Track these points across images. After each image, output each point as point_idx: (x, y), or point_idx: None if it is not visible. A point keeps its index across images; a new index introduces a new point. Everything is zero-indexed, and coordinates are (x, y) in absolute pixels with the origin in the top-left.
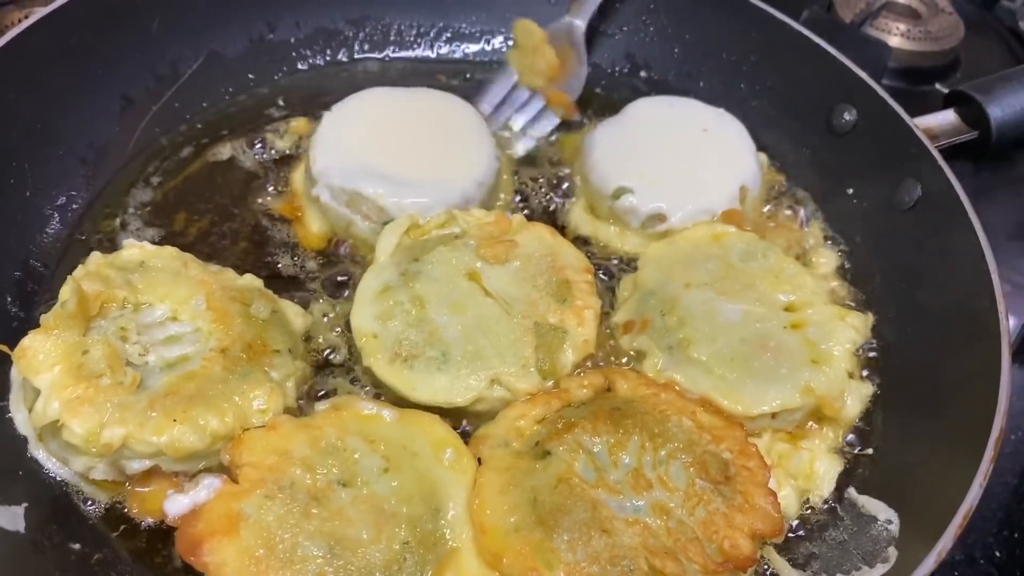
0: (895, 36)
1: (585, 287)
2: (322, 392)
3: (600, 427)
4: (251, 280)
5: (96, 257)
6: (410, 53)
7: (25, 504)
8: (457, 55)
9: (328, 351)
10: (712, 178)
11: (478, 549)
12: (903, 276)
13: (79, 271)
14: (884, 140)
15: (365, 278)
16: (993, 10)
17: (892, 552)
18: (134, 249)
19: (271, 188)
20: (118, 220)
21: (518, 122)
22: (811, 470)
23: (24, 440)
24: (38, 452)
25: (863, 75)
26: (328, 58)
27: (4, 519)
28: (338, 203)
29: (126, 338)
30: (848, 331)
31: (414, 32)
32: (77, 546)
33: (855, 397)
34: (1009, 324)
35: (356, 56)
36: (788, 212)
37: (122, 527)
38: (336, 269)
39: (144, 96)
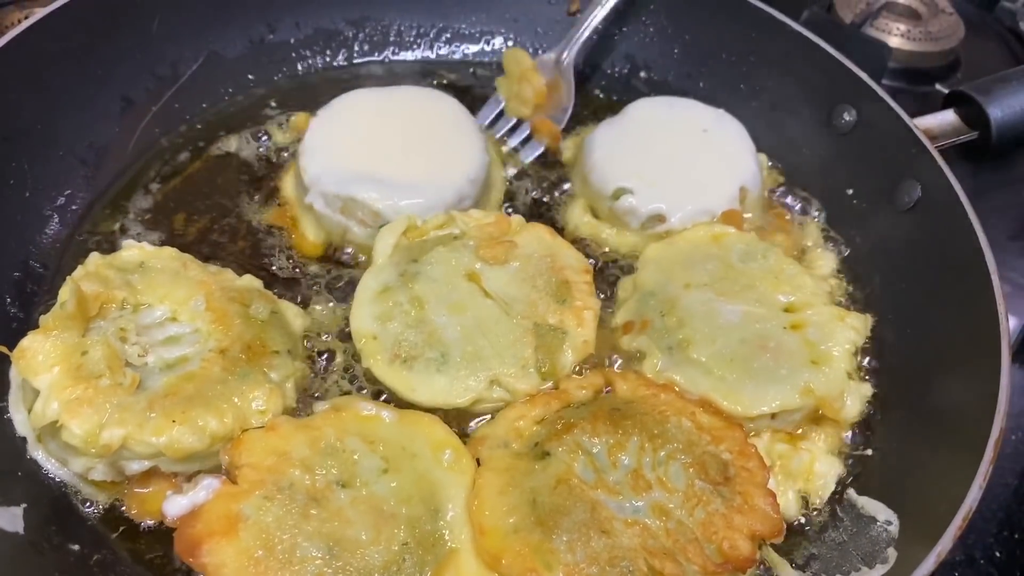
0: (895, 36)
1: (584, 288)
2: (317, 394)
3: (599, 428)
4: (250, 281)
5: (95, 258)
6: (410, 54)
7: (24, 505)
8: (457, 56)
9: (327, 352)
10: (712, 179)
11: (477, 550)
12: (903, 277)
13: (78, 272)
14: (884, 141)
15: (364, 279)
16: (993, 10)
17: (892, 553)
18: (133, 250)
19: (257, 198)
20: (117, 221)
21: (503, 149)
22: (811, 471)
23: (23, 441)
24: (37, 453)
25: (863, 75)
26: (328, 59)
27: (3, 520)
28: (332, 210)
29: (125, 339)
30: (848, 332)
31: (414, 33)
32: (76, 547)
33: (854, 398)
34: (1009, 324)
35: (356, 57)
36: (788, 213)
37: (121, 528)
38: (335, 270)
39: (144, 97)
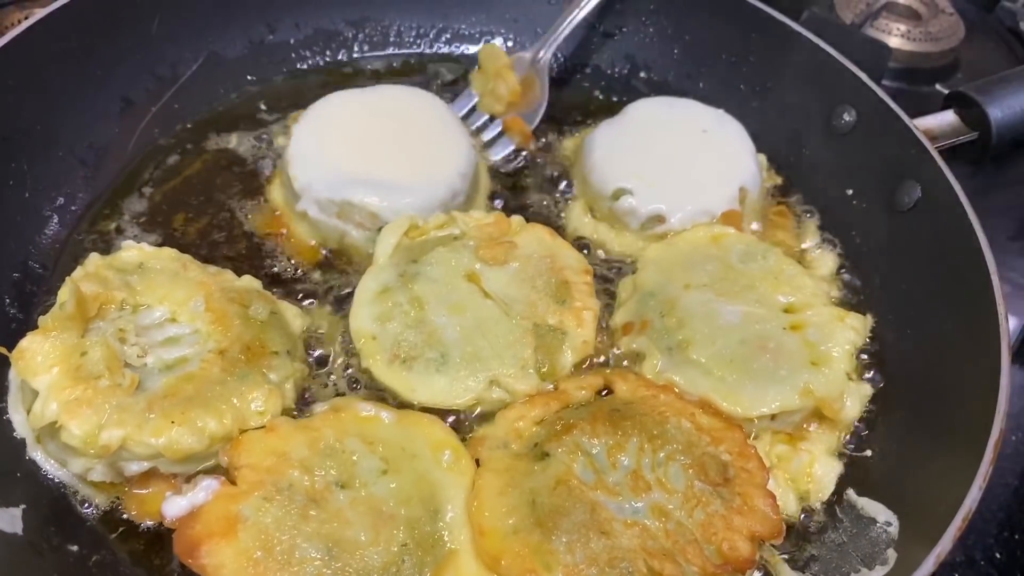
0: (895, 37)
1: (584, 288)
2: (316, 395)
3: (599, 429)
4: (250, 281)
5: (95, 258)
6: (410, 54)
7: (23, 506)
8: (457, 55)
9: (327, 353)
10: (711, 179)
11: (477, 551)
12: (903, 277)
13: (78, 272)
14: (884, 141)
15: (364, 279)
16: (993, 11)
17: (891, 554)
18: (133, 250)
19: (257, 199)
20: (117, 222)
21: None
22: (810, 472)
23: (22, 442)
24: (36, 454)
25: (863, 76)
26: (328, 59)
27: (2, 521)
28: (328, 215)
29: (124, 340)
30: (847, 332)
31: (414, 33)
32: (75, 548)
33: (854, 399)
34: (1009, 325)
35: (356, 57)
36: (787, 213)
37: (120, 529)
38: (335, 271)
39: (144, 97)
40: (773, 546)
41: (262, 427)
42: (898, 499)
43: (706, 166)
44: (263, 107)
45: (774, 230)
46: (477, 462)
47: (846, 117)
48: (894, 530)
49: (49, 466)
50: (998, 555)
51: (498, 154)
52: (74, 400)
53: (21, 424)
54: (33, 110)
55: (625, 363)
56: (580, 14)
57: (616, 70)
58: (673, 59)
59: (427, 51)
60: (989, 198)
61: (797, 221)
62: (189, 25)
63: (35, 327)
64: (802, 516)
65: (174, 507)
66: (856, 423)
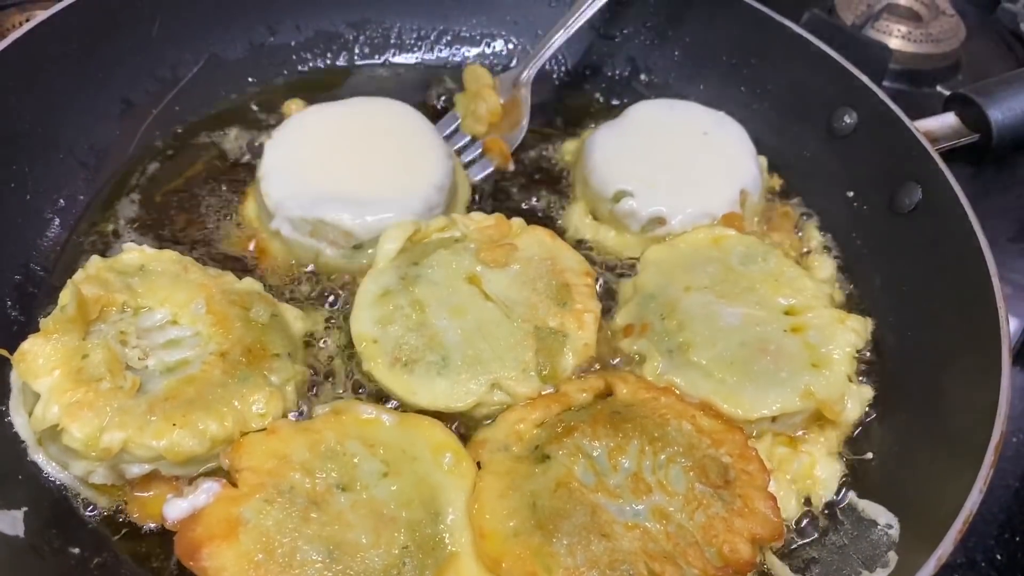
0: (896, 38)
1: (585, 291)
2: (317, 397)
3: (600, 431)
4: (251, 284)
5: (96, 261)
6: (410, 56)
7: (25, 508)
8: (457, 58)
9: (328, 355)
10: (712, 181)
11: (477, 553)
12: (903, 279)
13: (79, 275)
14: (885, 143)
15: (365, 282)
16: (994, 12)
17: (892, 556)
18: (134, 253)
19: (220, 225)
20: (118, 224)
21: None
22: (811, 474)
23: (24, 444)
24: (38, 456)
25: (864, 78)
26: (329, 61)
27: (4, 523)
28: (301, 234)
29: (126, 342)
30: (848, 335)
31: (414, 35)
32: (76, 550)
33: (855, 401)
34: (1010, 327)
35: (356, 59)
36: (788, 215)
37: (122, 531)
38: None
39: (144, 99)
40: (773, 548)
41: (263, 429)
42: (899, 501)
43: (707, 168)
44: (264, 108)
45: (775, 232)
46: (478, 465)
47: (847, 119)
48: (895, 532)
49: (51, 468)
50: (999, 556)
51: (477, 175)
52: (75, 403)
53: (22, 427)
54: (34, 112)
55: (625, 365)
56: (564, 36)
57: (617, 72)
58: (674, 61)
59: (428, 53)
60: (989, 200)
61: (798, 223)
62: (189, 27)
63: (36, 329)
64: (803, 518)
65: (175, 509)
66: (857, 425)
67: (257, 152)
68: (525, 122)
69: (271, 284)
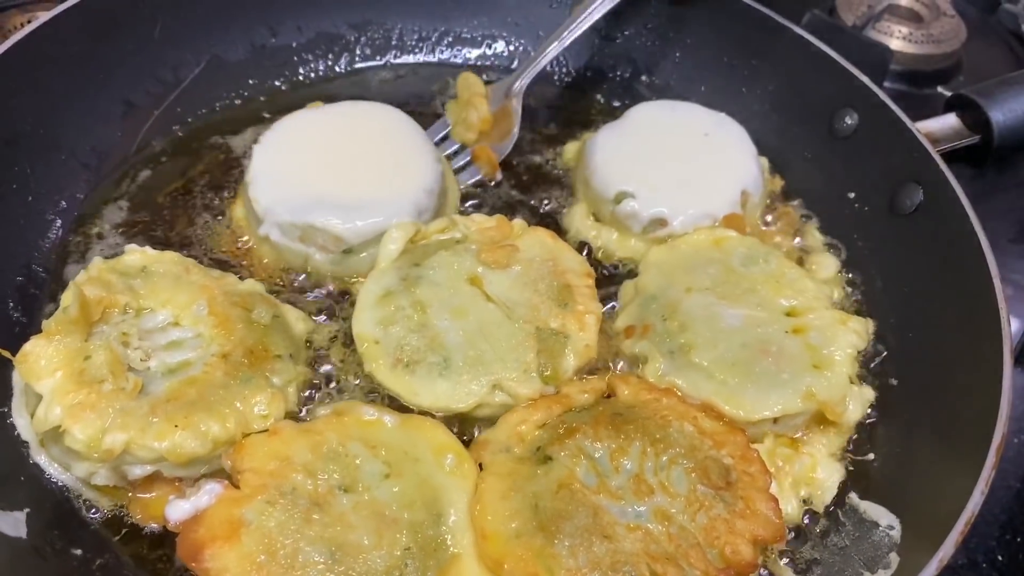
0: (897, 39)
1: (586, 292)
2: (319, 398)
3: (601, 432)
4: (253, 285)
5: (98, 262)
6: (412, 58)
7: (27, 509)
8: (459, 59)
9: (330, 356)
10: (713, 183)
11: (479, 555)
12: (904, 280)
13: (81, 276)
14: (886, 144)
15: (366, 283)
16: (995, 13)
17: (894, 558)
18: (136, 254)
19: (218, 228)
20: (119, 225)
21: None
22: (813, 475)
23: (26, 445)
24: (40, 457)
25: (865, 79)
26: (330, 62)
27: (6, 525)
28: (290, 239)
29: (128, 343)
30: (850, 336)
31: (416, 36)
32: (79, 552)
33: (856, 402)
34: (1011, 327)
35: (358, 61)
36: (789, 216)
37: (124, 532)
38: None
39: (146, 101)
40: (775, 549)
41: (265, 431)
42: (900, 503)
43: (708, 169)
44: (266, 110)
45: (776, 233)
46: (480, 466)
47: (848, 120)
48: (896, 534)
49: (53, 470)
50: (1000, 557)
51: (464, 182)
52: (77, 404)
53: (25, 428)
54: (36, 113)
55: (627, 366)
56: (557, 49)
57: (618, 74)
58: (675, 63)
59: (429, 55)
60: (990, 201)
61: (799, 224)
62: (191, 28)
63: (39, 331)
64: (804, 520)
65: (177, 511)
66: (858, 426)
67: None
68: (515, 132)
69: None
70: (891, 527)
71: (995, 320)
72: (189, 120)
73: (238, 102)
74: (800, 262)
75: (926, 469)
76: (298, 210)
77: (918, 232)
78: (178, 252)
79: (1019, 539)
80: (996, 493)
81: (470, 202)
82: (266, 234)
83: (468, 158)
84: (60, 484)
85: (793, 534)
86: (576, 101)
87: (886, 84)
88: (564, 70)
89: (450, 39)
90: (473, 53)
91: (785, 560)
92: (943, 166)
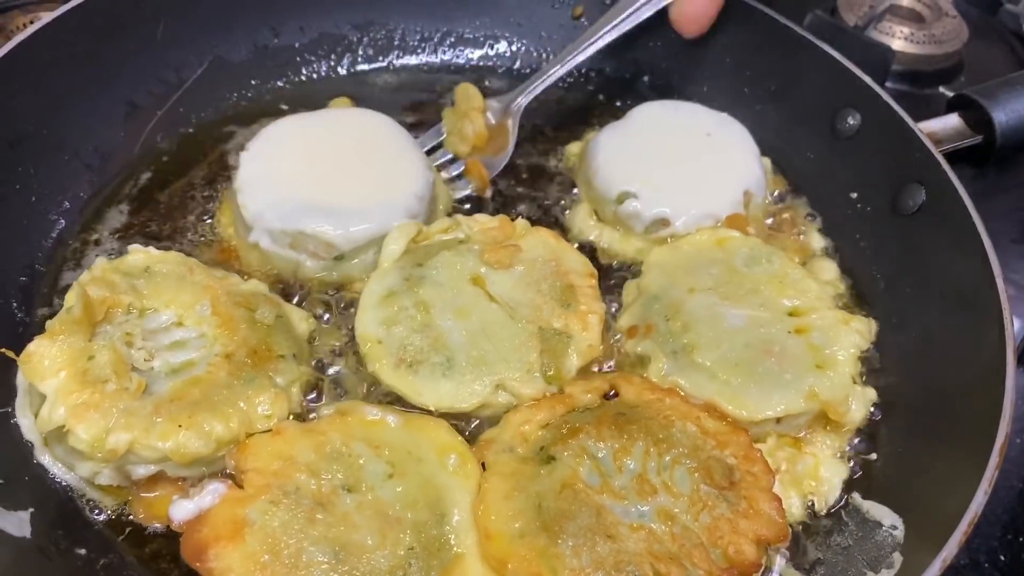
0: (898, 39)
1: (589, 292)
2: (323, 399)
3: (605, 432)
4: (256, 285)
5: (101, 262)
6: (414, 58)
7: (31, 509)
8: (461, 60)
9: (333, 356)
10: (716, 183)
11: (483, 555)
12: (907, 280)
13: (85, 276)
14: (888, 144)
15: (369, 283)
16: (996, 14)
17: (897, 558)
18: (139, 254)
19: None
20: (123, 225)
21: None
22: (816, 475)
23: (30, 445)
24: (44, 457)
25: (867, 79)
26: (332, 63)
27: (10, 524)
28: (281, 246)
29: (131, 343)
30: (852, 336)
31: (418, 37)
32: (83, 551)
33: (859, 402)
34: (1014, 328)
35: (360, 61)
36: (792, 217)
37: (128, 532)
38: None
39: (149, 101)
40: (778, 549)
41: (268, 431)
42: (904, 503)
43: (710, 170)
44: (268, 111)
45: (778, 234)
46: (483, 466)
47: (850, 120)
48: (900, 534)
49: (57, 470)
50: (1002, 558)
51: (453, 196)
52: (81, 404)
53: (29, 428)
54: (39, 114)
55: (630, 366)
56: (561, 71)
57: (620, 74)
58: (677, 63)
59: (432, 56)
60: (993, 201)
61: (801, 224)
62: (193, 29)
63: (42, 331)
64: (807, 519)
65: (181, 511)
66: (861, 426)
67: None
68: (510, 150)
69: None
70: (894, 527)
71: (998, 320)
72: (192, 121)
73: (241, 103)
74: (802, 262)
75: (929, 469)
76: (288, 217)
77: (921, 232)
78: (180, 252)
79: (1021, 539)
80: (998, 493)
81: (470, 203)
82: (256, 241)
83: (459, 170)
84: (64, 484)
85: (796, 534)
86: (578, 101)
87: (888, 84)
88: (567, 70)
89: (452, 40)
90: (475, 54)
91: (788, 560)
92: (945, 166)
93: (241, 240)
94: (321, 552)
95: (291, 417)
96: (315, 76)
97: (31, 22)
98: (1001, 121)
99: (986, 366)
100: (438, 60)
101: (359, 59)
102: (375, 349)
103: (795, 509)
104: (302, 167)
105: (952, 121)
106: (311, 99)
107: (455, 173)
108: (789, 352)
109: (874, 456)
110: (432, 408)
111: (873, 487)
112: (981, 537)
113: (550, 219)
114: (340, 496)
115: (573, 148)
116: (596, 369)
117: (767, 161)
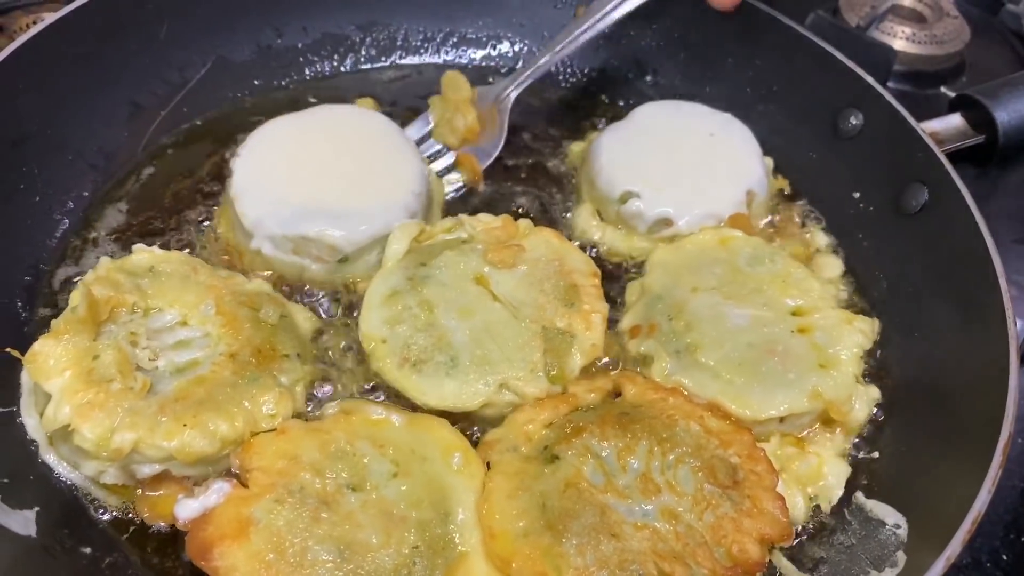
0: (900, 40)
1: (592, 291)
2: (327, 398)
3: (608, 431)
4: (260, 284)
5: (106, 262)
6: (417, 59)
7: (36, 508)
8: (464, 60)
9: (337, 355)
10: (719, 183)
11: (487, 553)
12: (910, 280)
13: (89, 276)
14: (891, 144)
15: (373, 283)
16: (998, 14)
17: (901, 556)
18: (143, 254)
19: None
20: (127, 225)
21: None
22: (819, 474)
23: (35, 444)
24: (49, 457)
25: (869, 79)
26: (335, 63)
27: (16, 523)
28: (284, 252)
29: (136, 343)
30: (855, 335)
31: (421, 37)
32: (88, 550)
33: (863, 401)
34: (1016, 327)
35: (363, 61)
36: (794, 217)
37: (132, 531)
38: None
39: (152, 102)
40: (782, 548)
41: (273, 430)
42: (907, 501)
43: (713, 170)
44: (271, 110)
45: (781, 233)
46: (487, 465)
47: (853, 120)
48: (903, 532)
49: (62, 469)
50: (1005, 557)
51: (446, 188)
52: (86, 403)
53: (34, 427)
54: (43, 114)
55: (633, 366)
56: (553, 60)
57: (623, 74)
58: (679, 63)
59: (434, 56)
60: (995, 201)
61: (804, 224)
62: (196, 29)
63: (47, 330)
64: (811, 518)
65: (186, 509)
66: (864, 425)
67: None
68: (502, 139)
69: None
70: (897, 526)
71: (1001, 320)
72: (195, 121)
73: (244, 103)
74: (806, 262)
75: (932, 468)
76: (289, 222)
77: (923, 232)
78: (184, 252)
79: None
80: (1001, 493)
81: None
82: (258, 248)
83: (448, 162)
84: (69, 483)
85: (800, 533)
86: (581, 101)
87: (889, 84)
88: (569, 70)
89: (455, 40)
90: (478, 54)
91: (792, 559)
92: (948, 166)
93: (243, 246)
94: (326, 551)
95: (296, 416)
96: (318, 76)
97: (34, 22)
98: (1003, 121)
99: (989, 366)
100: (441, 60)
101: (362, 59)
102: (379, 348)
103: (798, 508)
104: (297, 169)
105: (954, 121)
106: (314, 99)
107: (444, 166)
108: (792, 352)
109: (877, 455)
110: (436, 407)
111: (876, 486)
112: (983, 537)
113: (552, 219)
114: (344, 495)
115: (576, 148)
116: (599, 369)
117: (769, 161)
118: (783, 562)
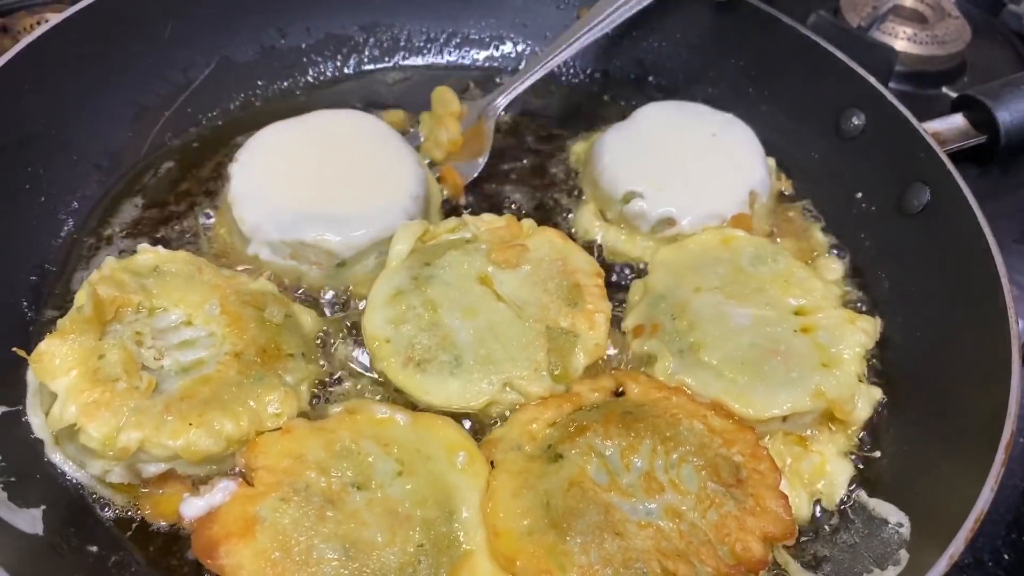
0: (901, 40)
1: (596, 291)
2: (331, 397)
3: (612, 430)
4: (264, 284)
5: (111, 262)
6: (420, 59)
7: (43, 507)
8: (467, 61)
9: (341, 355)
10: (721, 183)
11: (491, 552)
12: (912, 280)
13: (94, 276)
14: (893, 144)
15: (377, 282)
16: (999, 14)
17: (903, 555)
18: (148, 254)
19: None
20: (131, 225)
21: None
22: (822, 473)
23: (41, 444)
24: (55, 456)
25: (871, 79)
26: (339, 64)
27: (23, 522)
28: (282, 257)
29: (141, 342)
30: (858, 335)
31: (424, 38)
32: (94, 548)
33: (865, 400)
34: (1018, 327)
35: (366, 62)
36: (797, 216)
37: (138, 529)
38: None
39: (156, 102)
40: (785, 547)
41: (278, 429)
42: (909, 500)
43: (716, 170)
44: (274, 110)
45: (783, 233)
46: (491, 464)
47: (855, 121)
48: (906, 531)
49: (68, 468)
50: (1006, 556)
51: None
52: (92, 402)
53: (40, 426)
54: (47, 115)
55: (636, 365)
56: (540, 72)
57: (625, 74)
58: (682, 63)
59: (437, 56)
60: (997, 201)
61: (806, 224)
62: (200, 30)
63: (52, 330)
64: (814, 517)
65: (192, 508)
66: (867, 425)
67: None
68: (485, 155)
69: None
70: (900, 524)
71: (1003, 320)
72: (199, 121)
73: (248, 103)
74: (808, 262)
75: (934, 467)
76: (287, 227)
77: (925, 232)
78: (189, 252)
79: None
80: (1002, 492)
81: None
82: (255, 253)
83: (435, 176)
84: (75, 482)
85: (803, 531)
86: (584, 101)
87: (891, 85)
88: (572, 71)
89: (458, 40)
90: (481, 54)
91: (795, 557)
92: (950, 166)
93: (241, 250)
94: (331, 549)
95: (300, 415)
96: (321, 77)
97: (38, 23)
98: (1005, 121)
99: (991, 365)
100: (444, 61)
101: (365, 60)
102: (383, 348)
103: (802, 507)
104: (295, 175)
105: (956, 121)
106: (317, 100)
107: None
108: (795, 351)
109: (879, 454)
110: (440, 407)
111: (879, 485)
112: (985, 536)
113: (555, 219)
114: (350, 494)
115: (578, 148)
116: (603, 368)
117: (772, 161)
118: (786, 560)
